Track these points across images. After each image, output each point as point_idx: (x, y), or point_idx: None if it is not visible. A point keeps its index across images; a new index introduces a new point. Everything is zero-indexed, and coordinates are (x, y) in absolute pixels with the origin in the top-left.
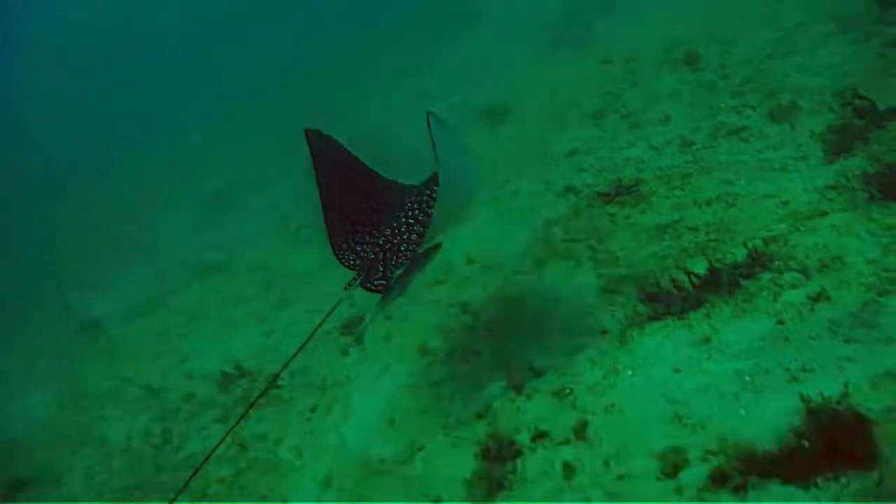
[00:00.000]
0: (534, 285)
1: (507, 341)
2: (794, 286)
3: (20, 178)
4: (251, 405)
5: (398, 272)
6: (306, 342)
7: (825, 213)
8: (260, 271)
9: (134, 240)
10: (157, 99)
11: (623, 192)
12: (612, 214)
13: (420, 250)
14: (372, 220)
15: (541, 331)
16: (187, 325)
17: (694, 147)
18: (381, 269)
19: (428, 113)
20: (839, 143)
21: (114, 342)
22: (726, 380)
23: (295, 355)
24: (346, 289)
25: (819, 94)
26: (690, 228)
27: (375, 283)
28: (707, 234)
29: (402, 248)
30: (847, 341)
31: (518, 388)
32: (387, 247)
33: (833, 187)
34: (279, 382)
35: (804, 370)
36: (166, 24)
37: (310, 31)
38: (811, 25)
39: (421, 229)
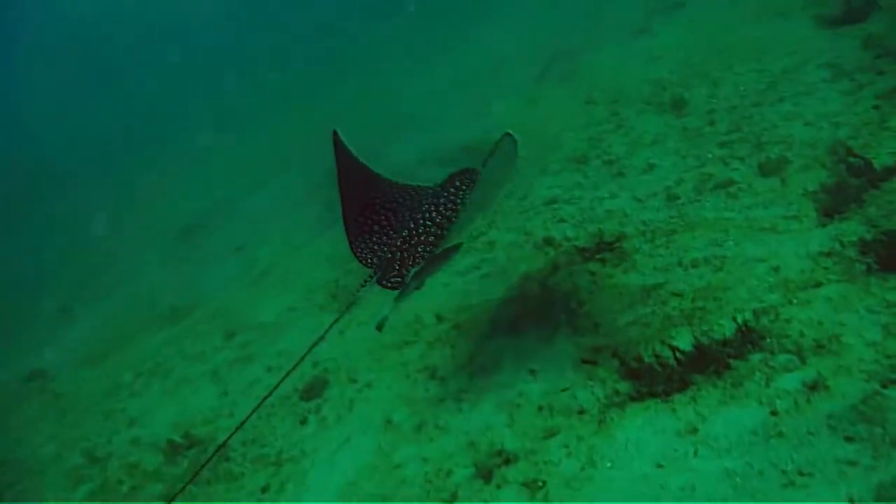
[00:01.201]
0: (507, 352)
1: (477, 417)
2: (787, 370)
3: None
4: (190, 480)
5: (414, 271)
6: (257, 407)
7: (819, 284)
8: (222, 319)
9: (101, 274)
10: (158, 98)
11: (605, 248)
12: (592, 273)
13: (437, 251)
14: (389, 220)
15: (513, 407)
16: (140, 379)
17: (679, 201)
18: (397, 267)
19: (507, 133)
20: (833, 203)
21: (62, 395)
22: (714, 481)
23: (243, 423)
24: (362, 286)
25: (810, 146)
26: (675, 294)
27: (392, 280)
28: (693, 300)
29: (420, 249)
30: (848, 439)
31: (487, 477)
32: (404, 247)
33: (827, 254)
34: (230, 455)
35: (801, 473)
36: (168, 22)
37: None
38: (800, 71)
39: (438, 231)
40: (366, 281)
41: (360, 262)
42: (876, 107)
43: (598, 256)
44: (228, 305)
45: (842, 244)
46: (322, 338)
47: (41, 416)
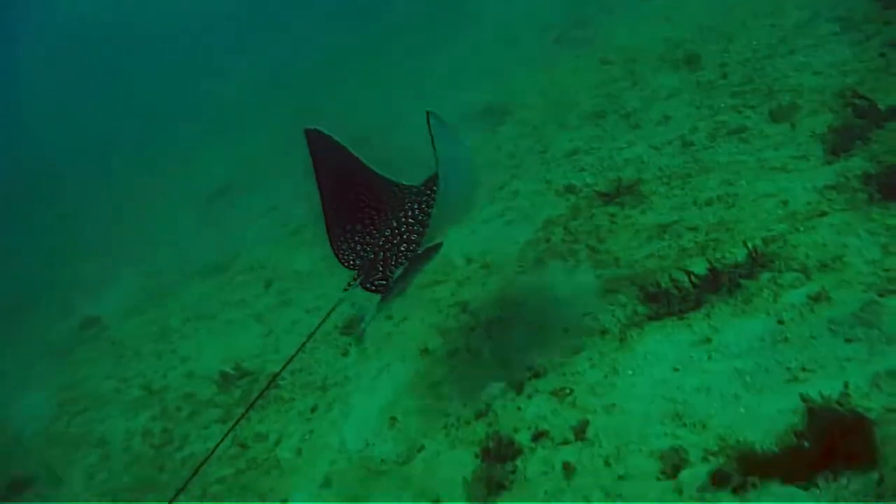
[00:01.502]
0: (534, 285)
1: (507, 342)
2: (794, 286)
3: (20, 176)
4: (251, 405)
5: (398, 272)
6: (305, 342)
7: (825, 213)
8: (260, 270)
9: (135, 239)
10: (158, 97)
11: (623, 192)
12: (612, 214)
13: (420, 250)
14: (372, 220)
15: (541, 331)
16: (187, 325)
17: (693, 147)
18: (380, 269)
19: (428, 113)
20: (839, 142)
21: (114, 341)
22: (726, 379)
23: (294, 355)
24: (345, 289)
25: (819, 93)
26: (690, 228)
27: (375, 283)
28: (707, 233)
29: (402, 249)
30: (847, 341)
31: (518, 389)
32: (387, 247)
33: (833, 187)
34: (280, 382)
35: (804, 370)
36: (166, 22)
37: (309, 31)
38: (811, 24)
39: (421, 229)
40: (350, 283)
41: (343, 263)
42: (882, 54)
43: (617, 200)
44: (265, 258)
45: (846, 178)
46: (334, 308)
47: (99, 359)
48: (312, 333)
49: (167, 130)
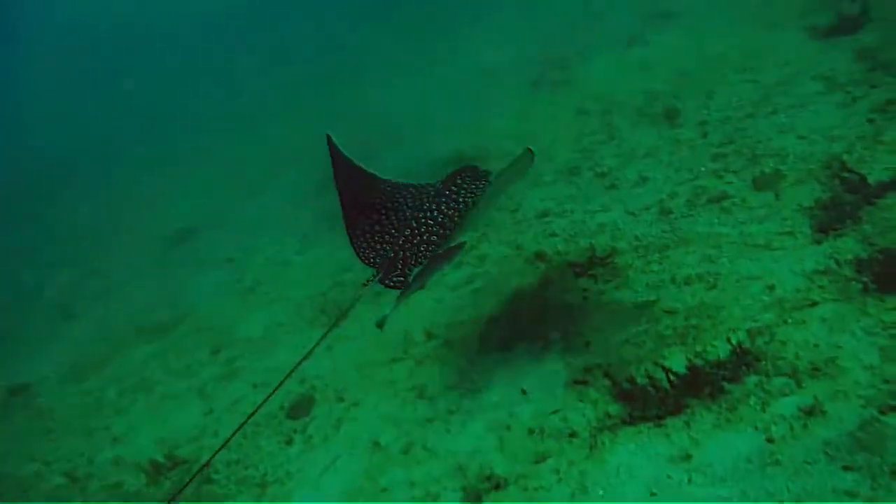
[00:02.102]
0: (498, 371)
1: (466, 439)
2: (783, 394)
3: None
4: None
5: (416, 270)
6: (242, 425)
7: (815, 304)
8: (208, 332)
9: (89, 283)
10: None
11: (597, 263)
12: (584, 290)
13: (440, 250)
14: (390, 220)
15: (503, 430)
16: (124, 396)
17: (672, 215)
18: (399, 267)
19: (528, 149)
20: (828, 220)
21: (43, 413)
22: None
23: (226, 443)
24: (364, 284)
25: (804, 160)
26: (668, 312)
27: (395, 280)
28: (686, 318)
29: (422, 249)
30: (846, 469)
31: (476, 502)
32: (406, 246)
33: (823, 272)
34: (213, 476)
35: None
36: (168, 22)
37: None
38: (794, 82)
39: (441, 231)
40: (368, 280)
41: (363, 261)
42: (870, 120)
43: (590, 272)
44: (215, 319)
45: (837, 262)
46: (311, 352)
47: (26, 432)
48: (251, 415)
49: (135, 163)
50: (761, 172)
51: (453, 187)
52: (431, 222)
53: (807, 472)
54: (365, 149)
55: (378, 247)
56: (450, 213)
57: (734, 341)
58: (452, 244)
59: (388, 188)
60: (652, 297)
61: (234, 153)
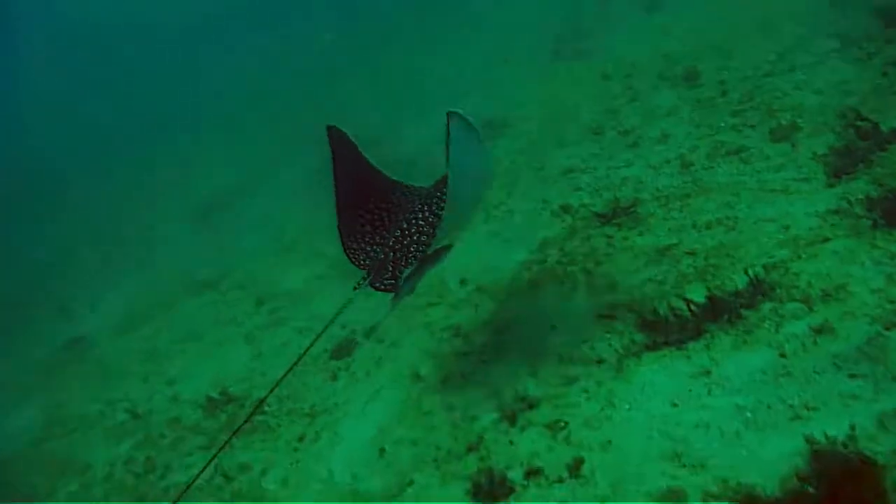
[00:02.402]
0: (528, 310)
1: (501, 369)
2: (796, 317)
3: (14, 184)
4: (234, 433)
5: (407, 272)
6: (294, 365)
7: (827, 240)
8: (252, 287)
9: (128, 251)
10: (159, 98)
11: (620, 213)
12: (609, 236)
13: (429, 251)
14: (382, 220)
15: (535, 358)
16: (176, 344)
17: (693, 167)
18: (390, 268)
19: (448, 114)
20: (841, 165)
21: (102, 360)
22: (727, 416)
23: (280, 381)
24: (355, 289)
25: (820, 113)
26: (689, 252)
27: (385, 282)
28: (706, 258)
29: (412, 249)
30: (852, 377)
31: (511, 420)
32: (396, 247)
33: (835, 212)
34: (266, 409)
35: (808, 408)
36: (167, 24)
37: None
38: (811, 41)
39: (430, 230)
40: (359, 283)
41: (353, 262)
42: (885, 73)
43: (614, 221)
44: (257, 275)
45: (849, 202)
46: (343, 308)
47: (85, 378)
48: (300, 357)
49: (167, 132)
50: (778, 125)
51: (445, 188)
52: (423, 223)
53: (816, 381)
54: (395, 113)
55: (368, 248)
56: (440, 213)
57: (751, 274)
58: (439, 246)
59: (385, 186)
60: (673, 241)
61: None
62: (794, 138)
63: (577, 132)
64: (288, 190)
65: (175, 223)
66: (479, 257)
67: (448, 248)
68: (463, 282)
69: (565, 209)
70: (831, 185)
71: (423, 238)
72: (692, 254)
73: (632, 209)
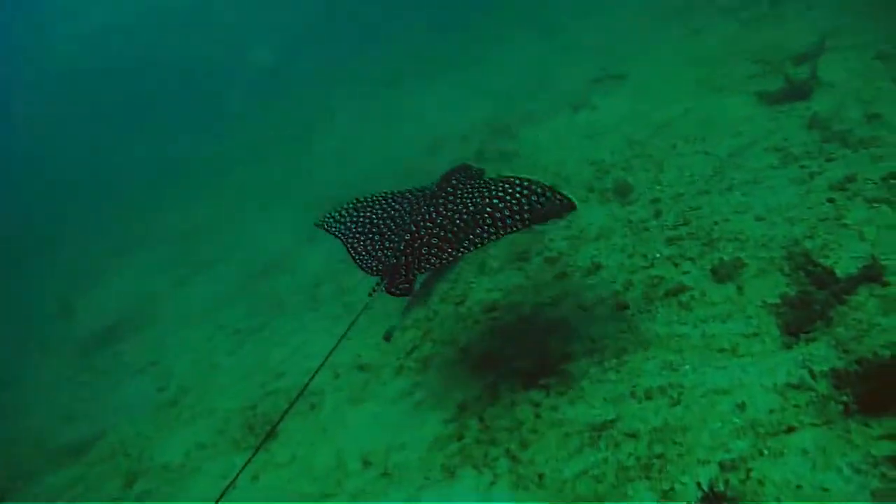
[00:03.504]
0: None
1: None
2: None
3: None
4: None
5: (422, 277)
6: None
7: (792, 429)
8: (123, 458)
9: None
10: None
11: (548, 371)
12: (536, 404)
13: (442, 262)
14: (390, 228)
15: None
16: None
17: (628, 311)
18: (403, 273)
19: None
20: (796, 320)
21: None
22: None
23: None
24: (370, 295)
25: (765, 246)
26: (630, 435)
27: (400, 287)
28: (650, 445)
29: (424, 252)
30: None
31: None
32: (408, 251)
33: (797, 387)
34: None
35: None
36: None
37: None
38: (747, 155)
39: (441, 233)
40: (374, 289)
41: (365, 271)
42: (830, 200)
43: (541, 382)
44: (132, 439)
45: (811, 374)
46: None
47: None
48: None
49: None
50: (720, 260)
51: (449, 188)
52: (431, 224)
53: None
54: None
55: (379, 254)
56: (448, 213)
57: (705, 482)
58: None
59: (382, 200)
60: (610, 416)
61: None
62: (739, 278)
63: (501, 256)
64: (188, 313)
65: (63, 358)
66: (389, 424)
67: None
68: (367, 463)
69: (487, 361)
70: (787, 346)
71: (434, 240)
72: (633, 436)
73: (561, 366)
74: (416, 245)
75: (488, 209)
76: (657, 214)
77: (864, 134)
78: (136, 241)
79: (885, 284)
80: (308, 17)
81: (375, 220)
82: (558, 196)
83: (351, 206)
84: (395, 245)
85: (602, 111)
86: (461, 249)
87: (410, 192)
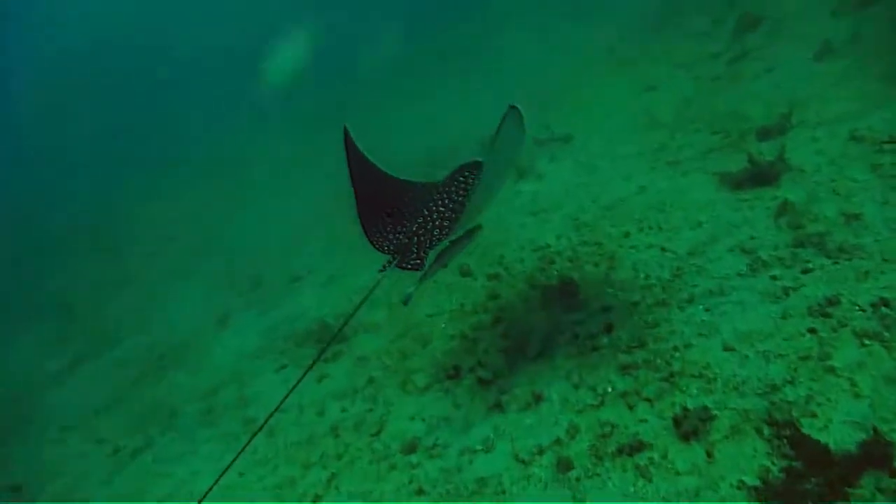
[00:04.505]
0: None
1: None
2: None
3: None
4: None
5: (433, 254)
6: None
7: None
8: None
9: None
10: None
11: None
12: None
13: (456, 234)
14: (402, 213)
15: None
16: None
17: (573, 472)
18: (415, 251)
19: (510, 106)
20: None
21: None
22: None
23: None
24: (381, 271)
25: (737, 390)
26: None
27: (412, 262)
28: None
29: (436, 233)
30: None
31: None
32: (420, 232)
33: None
34: None
35: None
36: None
37: None
38: (709, 255)
39: (453, 216)
40: (385, 265)
41: (377, 249)
42: (812, 330)
43: None
44: None
45: None
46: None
47: None
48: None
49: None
50: (683, 409)
51: (461, 178)
52: (443, 209)
53: None
54: None
55: (391, 236)
56: (460, 199)
57: None
58: (469, 226)
59: (396, 186)
60: None
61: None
62: (708, 438)
63: (428, 372)
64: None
65: None
66: None
67: (479, 227)
68: None
69: None
70: None
71: (445, 223)
72: None
73: None
74: (428, 227)
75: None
76: (607, 329)
77: (844, 239)
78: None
79: (893, 474)
80: None
81: (387, 205)
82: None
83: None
84: (407, 229)
85: (547, 181)
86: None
87: (423, 183)
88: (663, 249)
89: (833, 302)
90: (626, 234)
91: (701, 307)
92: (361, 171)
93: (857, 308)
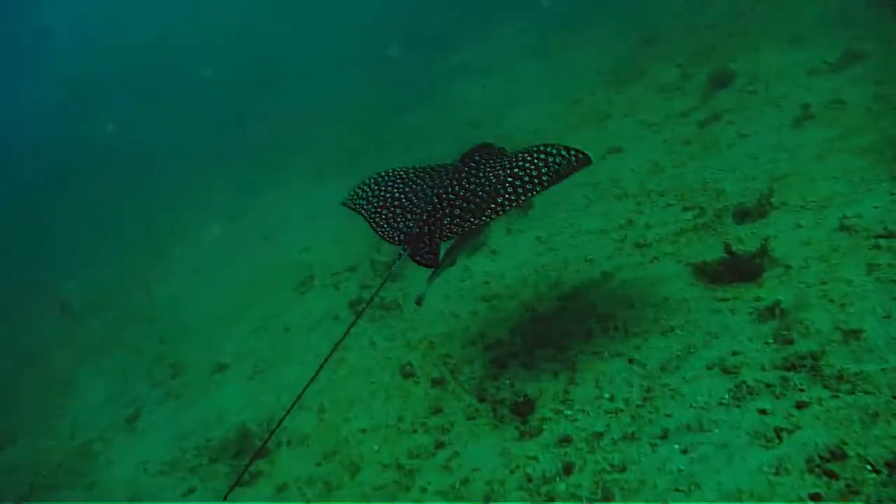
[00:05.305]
0: None
1: None
2: None
3: None
4: None
5: (447, 247)
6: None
7: None
8: None
9: None
10: None
11: None
12: None
13: (466, 226)
14: (411, 201)
15: None
16: None
17: None
18: (427, 242)
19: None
20: None
21: None
22: None
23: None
24: (394, 261)
25: None
26: None
27: (424, 256)
28: None
29: (446, 222)
30: None
31: None
32: (430, 221)
33: None
34: None
35: None
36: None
37: None
38: (685, 372)
39: (464, 204)
40: (399, 255)
41: (388, 240)
42: (815, 497)
43: None
44: None
45: None
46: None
47: None
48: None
49: None
50: None
51: (472, 163)
52: (454, 196)
53: None
54: None
55: (401, 225)
56: (471, 187)
57: None
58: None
59: (403, 174)
60: None
61: None
62: None
63: (372, 470)
64: None
65: None
66: None
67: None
68: None
69: None
70: None
71: (457, 212)
72: None
73: None
74: (439, 215)
75: (509, 178)
76: (566, 469)
77: (843, 365)
78: None
79: None
80: None
81: (397, 194)
82: (573, 153)
83: (372, 180)
84: (418, 216)
85: (502, 259)
86: (484, 218)
87: (431, 167)
88: (630, 361)
89: (838, 456)
90: (589, 335)
91: (677, 447)
92: (376, 204)
93: (868, 468)
